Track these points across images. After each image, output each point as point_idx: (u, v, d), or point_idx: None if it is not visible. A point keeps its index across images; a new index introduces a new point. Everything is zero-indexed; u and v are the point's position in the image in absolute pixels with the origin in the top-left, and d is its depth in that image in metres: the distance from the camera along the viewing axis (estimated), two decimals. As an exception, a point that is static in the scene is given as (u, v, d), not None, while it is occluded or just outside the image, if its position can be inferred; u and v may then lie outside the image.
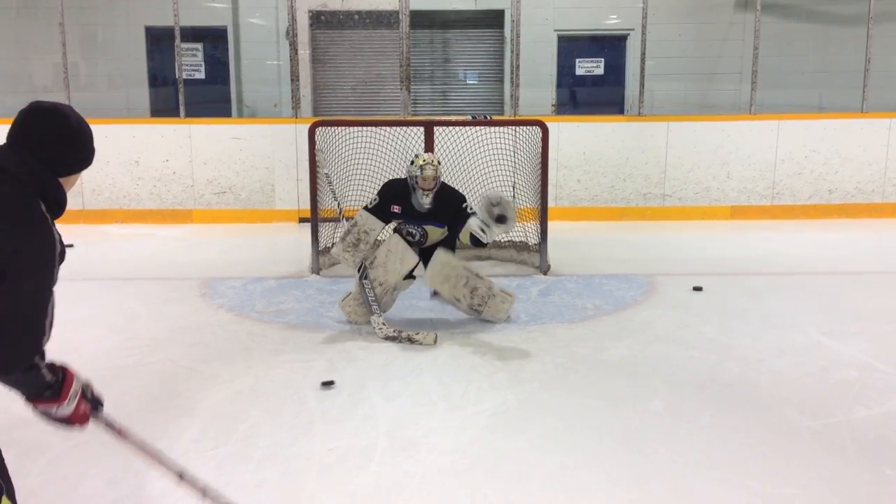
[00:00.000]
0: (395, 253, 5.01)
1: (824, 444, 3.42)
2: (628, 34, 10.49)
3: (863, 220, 8.80)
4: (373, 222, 4.99)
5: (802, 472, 3.16)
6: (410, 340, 4.73)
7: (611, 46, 10.81)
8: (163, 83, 10.55)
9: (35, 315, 1.90)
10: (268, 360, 4.47)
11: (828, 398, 3.91)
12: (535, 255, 6.69)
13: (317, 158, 6.26)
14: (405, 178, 5.09)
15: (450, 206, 4.99)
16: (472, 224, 4.63)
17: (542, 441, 3.45)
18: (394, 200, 5.04)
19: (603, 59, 10.51)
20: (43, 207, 1.92)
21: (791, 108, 9.45)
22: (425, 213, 5.01)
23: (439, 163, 5.04)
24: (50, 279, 1.92)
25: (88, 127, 2.11)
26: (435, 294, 5.32)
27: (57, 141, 2.01)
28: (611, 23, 10.86)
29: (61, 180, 2.03)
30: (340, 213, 5.45)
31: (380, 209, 5.05)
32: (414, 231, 5.07)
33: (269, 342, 4.82)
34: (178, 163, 8.73)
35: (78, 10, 9.67)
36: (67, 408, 2.05)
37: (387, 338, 4.72)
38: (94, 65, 10.84)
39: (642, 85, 8.97)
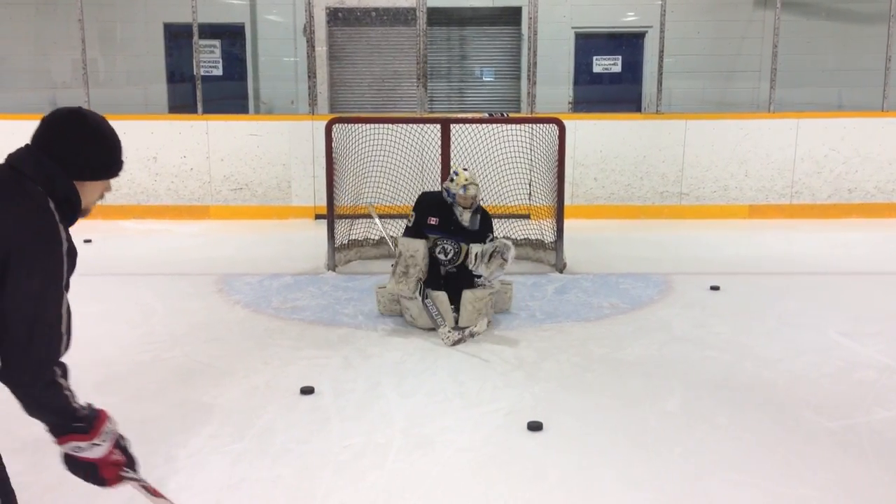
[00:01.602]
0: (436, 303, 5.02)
1: (842, 445, 3.39)
2: (646, 31, 10.43)
3: (883, 219, 8.71)
4: (415, 245, 5.02)
5: (820, 473, 3.14)
6: (472, 335, 4.77)
7: (628, 44, 10.75)
8: (181, 80, 10.59)
9: (45, 316, 1.81)
10: (284, 357, 4.49)
11: (846, 399, 3.88)
12: (550, 253, 6.67)
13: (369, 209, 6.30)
14: (439, 191, 5.20)
15: (484, 225, 5.17)
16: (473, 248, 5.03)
17: (558, 440, 3.44)
18: (430, 212, 5.12)
19: (620, 57, 10.44)
20: (52, 205, 1.85)
21: (810, 107, 9.37)
22: (463, 230, 5.08)
23: (477, 185, 5.16)
24: (58, 278, 1.83)
25: (113, 135, 2.02)
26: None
27: (70, 140, 1.94)
28: (628, 20, 10.81)
29: (80, 186, 1.94)
30: (391, 241, 5.56)
31: (417, 224, 5.13)
32: (448, 248, 5.10)
33: (285, 338, 4.83)
34: (195, 159, 8.76)
35: (97, 7, 9.71)
36: (99, 448, 1.93)
37: (454, 343, 4.70)
38: (113, 61, 10.89)
39: (660, 83, 8.92)
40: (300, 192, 8.78)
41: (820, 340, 4.76)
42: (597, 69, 10.43)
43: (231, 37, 10.55)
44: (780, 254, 7.15)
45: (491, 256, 4.93)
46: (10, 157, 1.92)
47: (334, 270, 6.46)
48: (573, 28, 10.62)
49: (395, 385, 4.06)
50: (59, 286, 1.84)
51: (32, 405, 1.87)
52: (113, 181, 2.07)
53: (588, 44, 10.66)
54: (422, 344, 4.70)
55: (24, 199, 1.83)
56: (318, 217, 8.38)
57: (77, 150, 1.94)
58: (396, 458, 3.27)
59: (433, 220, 5.11)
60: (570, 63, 10.67)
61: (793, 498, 2.98)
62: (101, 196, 2.06)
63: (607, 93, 10.82)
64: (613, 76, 10.53)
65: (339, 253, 6.62)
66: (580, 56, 10.65)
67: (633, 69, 10.61)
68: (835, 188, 8.89)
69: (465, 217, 5.09)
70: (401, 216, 6.19)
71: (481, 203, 5.33)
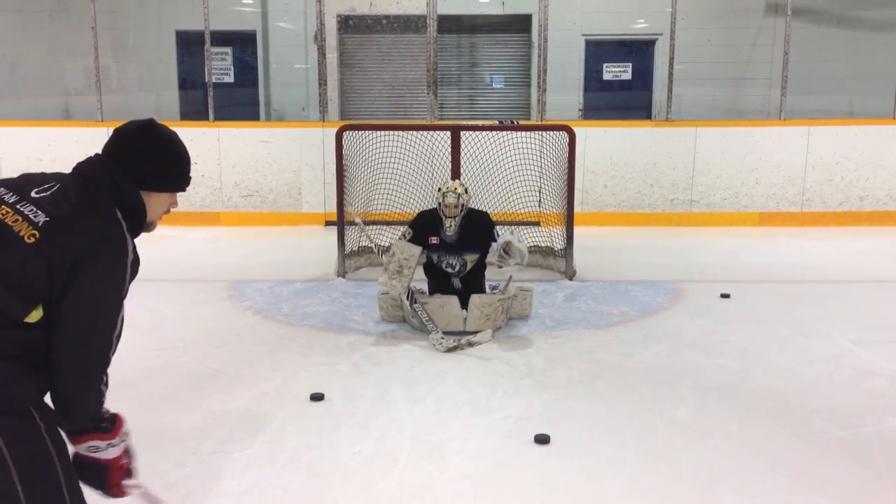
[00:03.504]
0: (445, 308, 5.00)
1: (853, 454, 3.38)
2: (656, 39, 10.43)
3: (894, 227, 8.67)
4: (410, 248, 4.99)
5: (831, 482, 3.13)
6: (471, 345, 4.76)
7: (638, 51, 10.76)
8: (192, 86, 10.65)
9: (101, 325, 1.84)
10: (294, 363, 4.50)
11: (857, 407, 3.86)
12: (560, 260, 6.67)
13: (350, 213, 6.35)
14: (433, 209, 5.19)
15: (479, 231, 5.07)
16: (493, 247, 4.89)
17: (567, 448, 3.44)
18: (429, 231, 5.12)
19: (630, 64, 10.45)
20: (119, 214, 1.87)
21: (821, 114, 9.35)
22: (459, 244, 5.08)
23: (466, 190, 5.13)
24: (120, 288, 1.85)
25: (183, 149, 2.04)
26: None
27: (139, 151, 1.95)
28: (639, 27, 10.81)
29: (146, 198, 1.96)
30: (356, 216, 5.61)
31: (415, 241, 5.08)
32: (454, 262, 5.15)
33: (295, 345, 4.85)
34: (206, 165, 8.80)
35: (110, 14, 9.79)
36: (114, 450, 1.97)
37: (448, 350, 4.69)
38: (125, 68, 10.96)
39: (670, 90, 8.92)
40: (310, 199, 8.81)
41: (831, 348, 4.74)
42: (607, 76, 10.43)
43: (242, 44, 10.61)
44: (791, 261, 7.13)
45: (505, 253, 4.89)
46: (80, 166, 1.94)
47: (344, 277, 6.47)
48: (583, 35, 10.64)
49: (405, 392, 4.07)
50: (119, 296, 1.87)
51: (70, 408, 1.87)
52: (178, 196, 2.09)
53: (598, 51, 10.67)
54: (431, 351, 4.70)
55: (93, 208, 1.85)
56: (328, 224, 8.41)
57: (146, 161, 1.96)
58: (406, 464, 3.28)
59: (434, 240, 5.12)
60: (581, 70, 10.69)
61: (803, 507, 2.97)
62: (167, 210, 2.08)
63: (617, 100, 10.82)
64: (624, 83, 10.53)
65: (349, 259, 6.64)
66: (590, 63, 10.66)
67: (643, 76, 10.62)
68: (846, 196, 8.86)
69: (447, 227, 5.03)
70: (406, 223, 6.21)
71: (486, 212, 5.35)
